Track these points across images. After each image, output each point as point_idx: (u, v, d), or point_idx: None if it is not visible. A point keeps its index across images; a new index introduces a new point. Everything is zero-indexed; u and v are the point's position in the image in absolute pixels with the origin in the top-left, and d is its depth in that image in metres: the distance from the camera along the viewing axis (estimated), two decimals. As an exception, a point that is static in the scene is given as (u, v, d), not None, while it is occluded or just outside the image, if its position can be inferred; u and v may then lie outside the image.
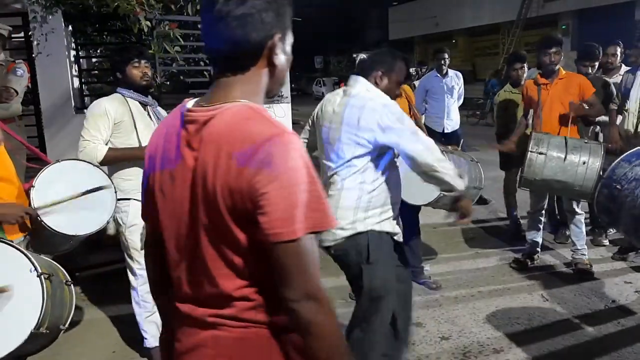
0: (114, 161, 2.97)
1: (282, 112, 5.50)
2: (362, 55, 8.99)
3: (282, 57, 1.18)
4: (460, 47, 28.94)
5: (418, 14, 28.97)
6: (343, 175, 2.46)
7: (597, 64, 4.84)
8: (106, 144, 2.94)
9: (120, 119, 2.95)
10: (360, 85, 2.52)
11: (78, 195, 2.65)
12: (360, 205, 2.45)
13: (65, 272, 2.44)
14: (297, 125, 5.94)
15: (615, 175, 2.95)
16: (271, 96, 1.24)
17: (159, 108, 3.21)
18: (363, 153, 2.41)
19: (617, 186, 2.90)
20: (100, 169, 2.88)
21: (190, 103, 1.22)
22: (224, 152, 1.07)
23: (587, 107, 4.16)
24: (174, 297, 1.26)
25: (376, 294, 2.50)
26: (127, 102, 3.00)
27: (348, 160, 2.43)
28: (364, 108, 2.39)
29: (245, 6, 1.09)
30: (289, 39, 1.20)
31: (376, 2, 35.73)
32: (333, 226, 1.12)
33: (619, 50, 5.02)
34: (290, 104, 5.71)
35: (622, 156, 3.04)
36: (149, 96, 3.16)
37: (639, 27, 16.00)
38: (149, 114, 3.09)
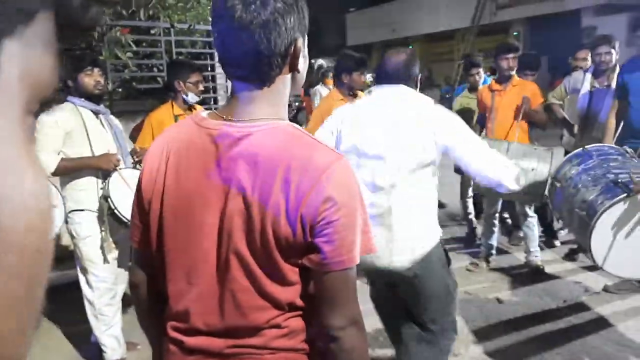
0: (68, 172, 2.87)
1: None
2: (321, 61, 9.01)
3: (303, 61, 1.11)
4: (417, 53, 29.25)
5: (376, 20, 29.31)
6: None
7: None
8: (58, 155, 2.84)
9: (71, 129, 2.87)
10: None
11: None
12: None
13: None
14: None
15: (559, 174, 3.13)
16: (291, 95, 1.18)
17: (111, 116, 3.14)
18: None
19: (557, 184, 3.07)
20: (49, 181, 2.77)
21: (205, 114, 1.12)
22: (279, 178, 0.99)
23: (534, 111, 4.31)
24: (173, 329, 1.15)
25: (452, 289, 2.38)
26: (78, 111, 2.92)
27: None
28: None
29: (268, 11, 0.99)
30: (306, 38, 1.12)
31: (334, 8, 36.00)
32: (375, 251, 1.12)
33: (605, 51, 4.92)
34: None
35: (567, 156, 3.19)
36: (101, 105, 3.09)
37: (586, 33, 16.66)
38: (101, 122, 3.02)
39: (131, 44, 4.72)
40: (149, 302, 1.25)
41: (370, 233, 1.09)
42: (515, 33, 22.94)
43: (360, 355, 1.08)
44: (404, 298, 2.37)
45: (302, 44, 1.08)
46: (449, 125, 2.21)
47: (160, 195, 1.11)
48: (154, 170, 1.13)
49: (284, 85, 1.10)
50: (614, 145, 3.28)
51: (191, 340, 1.11)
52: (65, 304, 3.67)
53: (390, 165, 2.17)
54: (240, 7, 0.99)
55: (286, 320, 1.08)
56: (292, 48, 1.05)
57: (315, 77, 8.22)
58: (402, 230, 2.20)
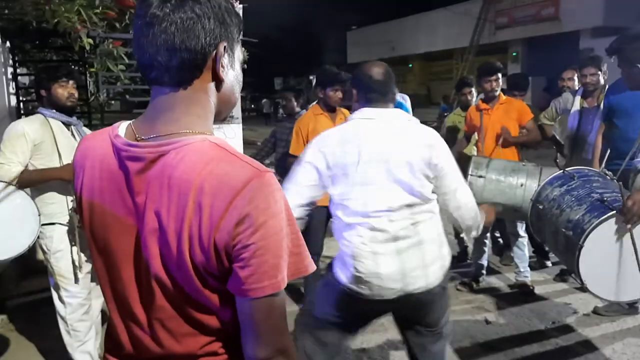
0: (31, 184, 2.82)
1: (232, 133, 5.44)
2: (317, 77, 9.07)
3: (230, 73, 1.03)
4: (416, 71, 29.66)
5: (375, 38, 29.56)
6: None
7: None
8: (25, 167, 2.80)
9: (40, 140, 2.83)
10: None
11: None
12: None
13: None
14: (252, 146, 5.88)
15: (541, 196, 3.10)
16: (222, 119, 1.08)
17: (83, 128, 3.12)
18: None
19: (540, 206, 3.04)
20: (25, 191, 2.74)
21: (122, 129, 1.03)
22: (191, 202, 0.91)
23: (523, 133, 4.31)
24: (110, 354, 1.10)
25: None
26: (48, 122, 2.89)
27: None
28: None
29: (184, 10, 0.94)
30: (238, 54, 1.06)
31: (335, 25, 36.32)
32: (312, 270, 1.00)
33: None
34: (241, 125, 5.65)
35: (547, 179, 3.17)
36: (74, 116, 3.08)
37: (583, 55, 16.79)
38: (72, 133, 2.99)
39: (124, 56, 4.73)
40: None
41: (303, 254, 0.99)
42: (514, 53, 23.12)
43: None
44: (412, 314, 2.29)
45: (228, 51, 1.02)
46: (446, 150, 2.18)
47: (88, 215, 1.07)
48: (78, 188, 1.08)
49: (205, 93, 1.02)
50: (593, 169, 3.27)
51: None
52: (42, 319, 3.64)
53: (409, 183, 2.09)
54: (156, 4, 0.95)
55: (222, 347, 1.03)
56: (214, 52, 0.99)
57: (312, 93, 8.24)
58: (433, 249, 2.16)
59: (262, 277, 0.93)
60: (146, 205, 0.97)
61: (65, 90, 2.91)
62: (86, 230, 1.08)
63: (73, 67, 3.94)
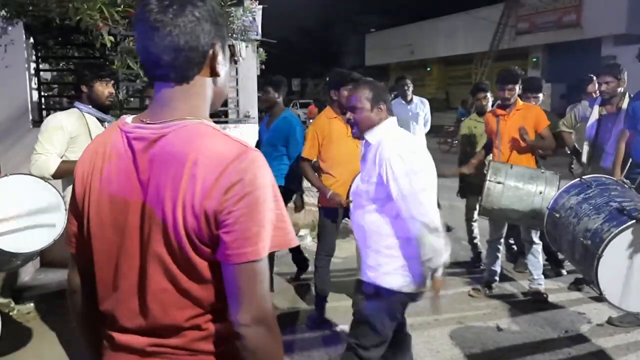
0: (67, 174, 2.90)
1: (248, 132, 5.49)
2: (335, 80, 9.04)
3: (224, 69, 1.16)
4: (435, 75, 29.50)
5: (394, 42, 29.50)
6: None
7: (540, 96, 4.88)
8: (60, 158, 2.89)
9: (76, 134, 2.93)
10: None
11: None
12: None
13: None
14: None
15: (557, 204, 3.07)
16: (215, 110, 1.20)
17: None
18: None
19: (556, 215, 3.01)
20: (51, 184, 2.80)
21: (129, 119, 1.16)
22: (186, 174, 1.02)
23: (540, 138, 4.27)
24: (107, 327, 1.18)
25: None
26: (84, 117, 3.00)
27: None
28: None
29: (185, 14, 1.06)
30: (227, 52, 1.18)
31: (354, 27, 36.33)
32: (294, 244, 1.10)
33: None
34: (257, 124, 5.69)
35: (563, 188, 3.14)
36: (109, 113, 3.18)
37: (604, 62, 16.57)
38: None
39: (144, 54, 4.80)
40: (85, 309, 1.27)
41: (287, 229, 1.09)
42: (534, 59, 22.92)
43: (268, 358, 1.06)
44: None
45: (222, 49, 1.14)
46: None
47: (89, 199, 1.16)
48: (85, 175, 1.18)
49: (203, 87, 1.14)
50: (610, 177, 3.23)
51: (119, 337, 1.15)
52: (64, 307, 3.68)
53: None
54: (157, 10, 1.06)
55: (207, 322, 1.10)
56: (211, 51, 1.11)
57: (328, 95, 8.21)
58: None
59: (244, 244, 1.02)
60: (149, 182, 1.07)
61: (105, 89, 3.03)
62: (92, 211, 1.14)
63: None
